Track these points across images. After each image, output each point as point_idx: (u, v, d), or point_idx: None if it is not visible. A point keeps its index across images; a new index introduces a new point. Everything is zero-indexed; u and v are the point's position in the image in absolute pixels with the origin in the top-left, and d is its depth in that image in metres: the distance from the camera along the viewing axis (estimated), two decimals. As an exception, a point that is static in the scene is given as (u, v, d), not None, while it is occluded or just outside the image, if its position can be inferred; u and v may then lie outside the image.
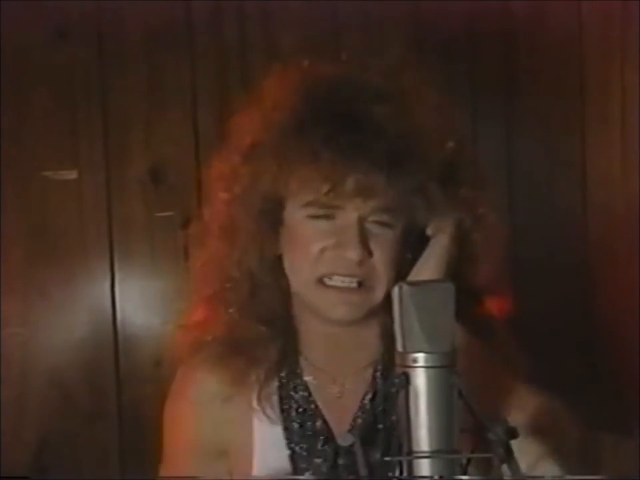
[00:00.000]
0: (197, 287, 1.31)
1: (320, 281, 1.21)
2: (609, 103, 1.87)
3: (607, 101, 1.87)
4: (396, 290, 0.86)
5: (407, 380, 0.83)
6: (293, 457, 1.26)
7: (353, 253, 1.18)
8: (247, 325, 1.27)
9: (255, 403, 1.27)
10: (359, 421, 1.26)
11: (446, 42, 1.85)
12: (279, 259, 1.26)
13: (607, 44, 1.87)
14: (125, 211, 1.85)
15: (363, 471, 0.79)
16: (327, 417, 1.27)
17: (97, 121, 1.84)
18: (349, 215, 1.20)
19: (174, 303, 1.59)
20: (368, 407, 1.27)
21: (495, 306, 1.31)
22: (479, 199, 1.27)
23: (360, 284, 1.21)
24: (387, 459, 0.83)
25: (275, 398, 1.28)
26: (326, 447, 1.25)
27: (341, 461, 1.25)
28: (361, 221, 1.20)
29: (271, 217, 1.25)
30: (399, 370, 0.84)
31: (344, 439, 0.82)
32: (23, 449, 1.84)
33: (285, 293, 1.28)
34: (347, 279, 1.20)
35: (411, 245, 1.25)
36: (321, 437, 1.26)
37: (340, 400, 1.28)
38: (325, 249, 1.20)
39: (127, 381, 1.84)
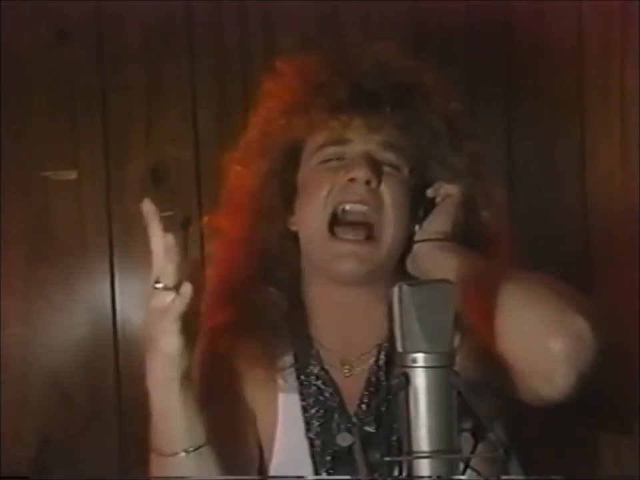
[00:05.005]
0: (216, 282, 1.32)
1: (331, 231, 1.24)
2: (609, 104, 1.87)
3: (606, 101, 1.87)
4: (396, 290, 0.86)
5: (406, 380, 0.83)
6: (309, 432, 1.27)
7: (360, 172, 1.23)
8: (258, 285, 1.30)
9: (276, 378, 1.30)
10: (363, 407, 1.27)
11: (446, 42, 1.86)
12: (292, 235, 1.30)
13: (607, 44, 1.87)
14: (125, 211, 1.85)
15: (362, 471, 0.79)
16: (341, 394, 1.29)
17: (97, 121, 1.84)
18: (357, 147, 1.26)
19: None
20: (371, 394, 1.28)
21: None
22: (483, 169, 1.32)
23: (368, 234, 1.23)
24: (387, 458, 0.83)
25: (293, 371, 1.30)
26: (341, 420, 1.27)
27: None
28: (369, 152, 1.26)
29: (285, 181, 1.30)
30: (399, 370, 0.84)
31: (343, 439, 0.82)
32: (23, 448, 1.84)
33: (294, 268, 1.32)
34: (357, 207, 1.24)
35: (420, 218, 1.29)
36: (336, 412, 1.28)
37: (348, 380, 1.29)
38: (335, 185, 1.25)
39: (127, 381, 1.84)
